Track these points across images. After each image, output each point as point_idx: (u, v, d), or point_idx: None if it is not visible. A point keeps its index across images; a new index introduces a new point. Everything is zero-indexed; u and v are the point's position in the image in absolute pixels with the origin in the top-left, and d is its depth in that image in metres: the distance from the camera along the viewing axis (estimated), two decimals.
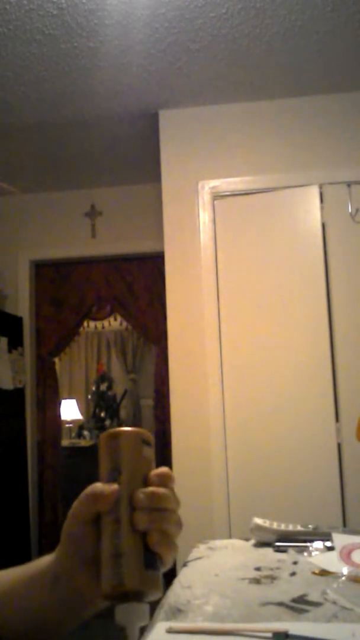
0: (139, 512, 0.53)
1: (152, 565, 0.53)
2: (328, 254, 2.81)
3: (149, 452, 0.57)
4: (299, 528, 1.31)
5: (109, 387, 6.85)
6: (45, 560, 0.61)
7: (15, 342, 3.89)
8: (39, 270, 4.27)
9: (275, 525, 1.31)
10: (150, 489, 0.54)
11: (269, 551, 1.24)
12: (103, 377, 6.93)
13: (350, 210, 2.82)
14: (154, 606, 0.94)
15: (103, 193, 4.14)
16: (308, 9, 2.33)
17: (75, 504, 0.57)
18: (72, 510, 0.57)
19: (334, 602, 0.90)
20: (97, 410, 6.70)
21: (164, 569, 0.54)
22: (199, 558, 1.22)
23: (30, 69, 2.62)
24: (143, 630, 0.84)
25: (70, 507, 0.58)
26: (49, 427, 4.25)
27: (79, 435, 6.44)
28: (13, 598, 0.62)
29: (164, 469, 0.56)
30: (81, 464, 4.61)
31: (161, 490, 0.54)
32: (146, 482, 0.55)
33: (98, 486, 0.55)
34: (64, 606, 0.60)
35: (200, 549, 1.28)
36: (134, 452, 0.56)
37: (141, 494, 0.53)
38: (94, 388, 6.97)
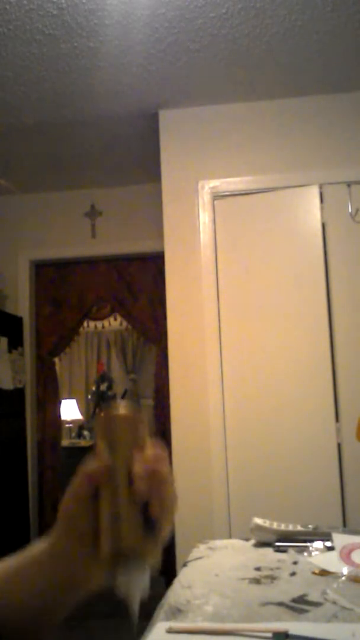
0: (137, 482, 0.55)
1: (151, 532, 0.55)
2: (328, 254, 2.81)
3: (144, 430, 0.59)
4: (299, 528, 1.31)
5: (109, 387, 6.86)
6: (41, 544, 0.63)
7: (15, 342, 3.89)
8: (39, 270, 4.27)
9: (275, 525, 1.31)
10: (148, 464, 0.56)
11: (269, 551, 1.24)
12: (103, 377, 6.94)
13: (350, 210, 2.82)
14: (154, 604, 0.94)
15: (103, 193, 4.14)
16: (308, 9, 2.33)
17: (72, 482, 0.59)
18: (69, 489, 0.59)
19: (334, 602, 0.90)
20: (97, 410, 6.70)
21: (162, 542, 0.56)
22: (199, 558, 1.22)
23: (30, 69, 2.62)
24: (145, 629, 0.84)
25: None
26: (49, 427, 4.25)
27: (79, 435, 6.44)
28: (10, 587, 0.63)
29: (158, 448, 0.58)
30: (81, 464, 4.60)
31: (157, 463, 0.57)
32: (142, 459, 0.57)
33: (93, 462, 0.57)
34: (61, 586, 0.61)
35: (200, 549, 1.28)
36: (130, 432, 0.58)
37: (139, 466, 0.55)
38: (94, 388, 6.98)
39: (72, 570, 0.60)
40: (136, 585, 0.55)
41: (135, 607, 0.55)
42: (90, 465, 0.58)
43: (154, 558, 0.56)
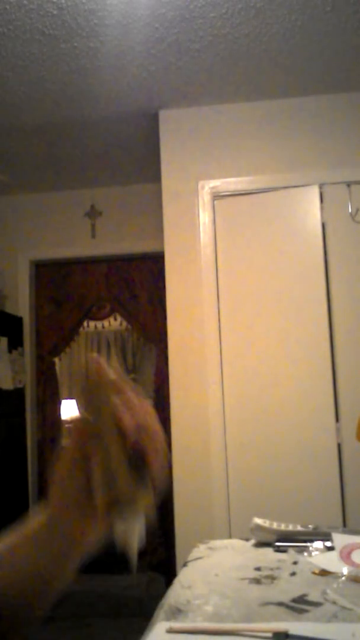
0: (127, 433, 0.57)
1: (144, 480, 0.58)
2: (328, 254, 2.81)
3: (127, 385, 0.61)
4: (299, 528, 1.31)
5: None
6: (35, 515, 0.64)
7: (15, 342, 3.89)
8: (39, 270, 4.27)
9: (275, 525, 1.31)
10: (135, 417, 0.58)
11: (269, 551, 1.24)
12: None
13: (350, 210, 2.82)
14: (154, 604, 0.94)
15: (103, 193, 4.14)
16: (308, 9, 2.33)
17: (60, 450, 0.62)
18: (58, 457, 0.62)
19: (334, 602, 0.90)
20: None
21: (156, 490, 0.59)
22: (199, 558, 1.22)
23: (30, 69, 2.62)
24: (145, 629, 0.84)
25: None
26: (49, 427, 4.25)
27: None
28: (8, 561, 0.64)
29: (143, 401, 0.60)
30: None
31: (144, 414, 0.59)
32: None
33: (76, 421, 0.61)
34: (59, 550, 0.62)
35: (200, 549, 1.28)
36: (112, 389, 0.60)
37: (126, 419, 0.57)
38: None
39: (69, 531, 0.61)
40: (133, 533, 0.57)
41: (133, 556, 0.57)
42: (74, 425, 0.61)
43: (150, 506, 0.58)
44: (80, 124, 3.18)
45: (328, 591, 0.95)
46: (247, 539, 1.34)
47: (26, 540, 0.64)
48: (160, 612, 0.90)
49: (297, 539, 1.27)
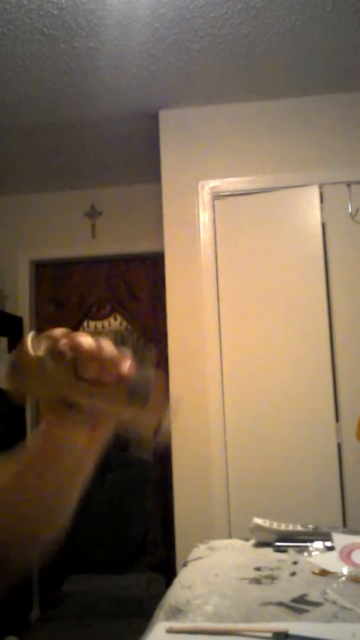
0: (80, 367, 0.59)
1: (140, 395, 0.61)
2: (328, 254, 2.81)
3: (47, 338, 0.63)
4: (299, 528, 1.31)
5: None
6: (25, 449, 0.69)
7: (15, 342, 3.89)
8: (39, 270, 4.27)
9: (275, 525, 1.31)
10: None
11: (269, 551, 1.24)
12: None
13: (350, 210, 2.82)
14: (154, 604, 0.94)
15: (103, 193, 4.14)
16: (308, 9, 2.33)
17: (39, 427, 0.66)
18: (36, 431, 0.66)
19: (334, 602, 0.90)
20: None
21: (149, 389, 0.62)
22: (199, 558, 1.22)
23: (30, 69, 2.62)
24: (145, 629, 0.84)
25: None
26: None
27: None
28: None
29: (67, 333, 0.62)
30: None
31: (79, 340, 0.60)
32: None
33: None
34: (62, 468, 0.67)
35: (200, 549, 1.28)
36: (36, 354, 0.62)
37: (84, 367, 0.60)
38: None
39: (65, 446, 0.65)
40: (164, 430, 0.61)
41: (165, 432, 0.60)
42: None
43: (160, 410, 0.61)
44: (80, 124, 3.18)
45: (328, 591, 0.95)
46: (247, 539, 1.34)
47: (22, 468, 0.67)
48: (160, 612, 0.90)
49: (297, 539, 1.27)
